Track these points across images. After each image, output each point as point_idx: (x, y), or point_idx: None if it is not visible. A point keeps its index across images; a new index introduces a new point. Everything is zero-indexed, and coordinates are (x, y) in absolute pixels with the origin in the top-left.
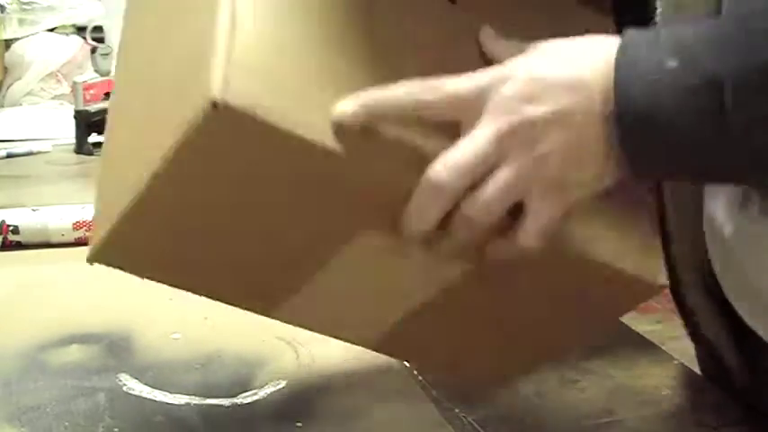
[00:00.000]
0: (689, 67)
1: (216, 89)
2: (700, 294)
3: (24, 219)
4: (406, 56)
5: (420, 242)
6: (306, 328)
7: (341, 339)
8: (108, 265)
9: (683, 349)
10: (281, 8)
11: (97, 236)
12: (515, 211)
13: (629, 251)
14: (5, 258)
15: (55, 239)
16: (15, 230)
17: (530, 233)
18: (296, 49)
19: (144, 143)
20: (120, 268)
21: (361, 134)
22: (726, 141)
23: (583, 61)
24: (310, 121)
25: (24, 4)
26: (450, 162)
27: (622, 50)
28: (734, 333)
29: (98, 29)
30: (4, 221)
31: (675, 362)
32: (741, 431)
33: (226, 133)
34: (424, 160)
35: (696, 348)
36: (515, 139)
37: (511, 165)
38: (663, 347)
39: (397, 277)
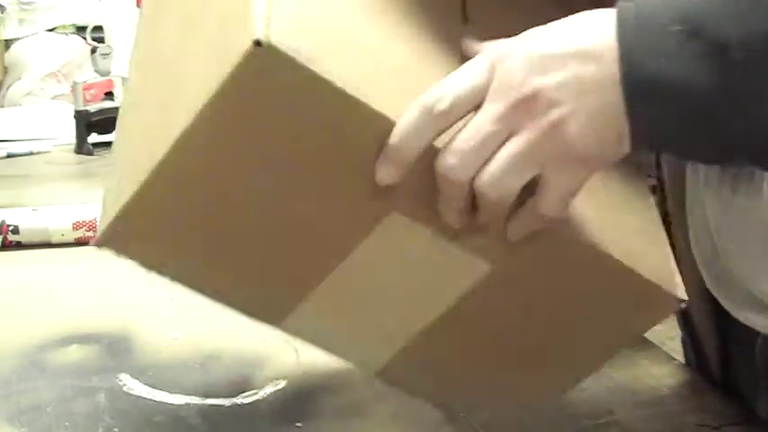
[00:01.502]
0: (694, 32)
1: (259, 30)
2: (692, 281)
3: (24, 219)
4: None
5: (449, 234)
6: (313, 342)
7: (347, 359)
8: (116, 250)
9: (682, 349)
10: None
11: (107, 219)
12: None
13: (646, 260)
14: (5, 258)
15: (55, 239)
16: (15, 230)
17: (549, 202)
18: (338, 7)
19: (169, 114)
20: (128, 255)
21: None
22: (732, 108)
23: (587, 30)
24: (351, 76)
25: (24, 3)
26: (455, 148)
27: (624, 13)
28: (716, 321)
29: (98, 29)
30: (4, 221)
31: (675, 362)
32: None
33: (267, 78)
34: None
35: (682, 336)
36: (525, 110)
37: (522, 135)
38: (663, 347)
39: (414, 281)
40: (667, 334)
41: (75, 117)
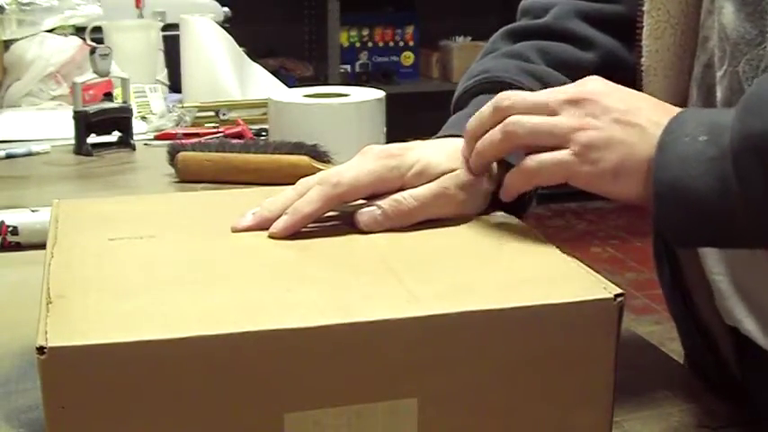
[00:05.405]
0: (714, 141)
1: (40, 340)
2: (699, 278)
3: (24, 219)
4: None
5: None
6: None
7: None
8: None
9: (681, 350)
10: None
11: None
12: None
13: (551, 284)
14: (5, 259)
15: None
16: (15, 231)
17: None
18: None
19: None
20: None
21: None
22: (739, 207)
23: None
24: (139, 326)
25: (23, 5)
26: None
27: (672, 121)
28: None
29: (97, 29)
30: (3, 222)
31: (675, 362)
32: None
33: (81, 374)
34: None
35: (684, 337)
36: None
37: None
38: (662, 348)
39: None
40: (667, 335)
41: (74, 118)
